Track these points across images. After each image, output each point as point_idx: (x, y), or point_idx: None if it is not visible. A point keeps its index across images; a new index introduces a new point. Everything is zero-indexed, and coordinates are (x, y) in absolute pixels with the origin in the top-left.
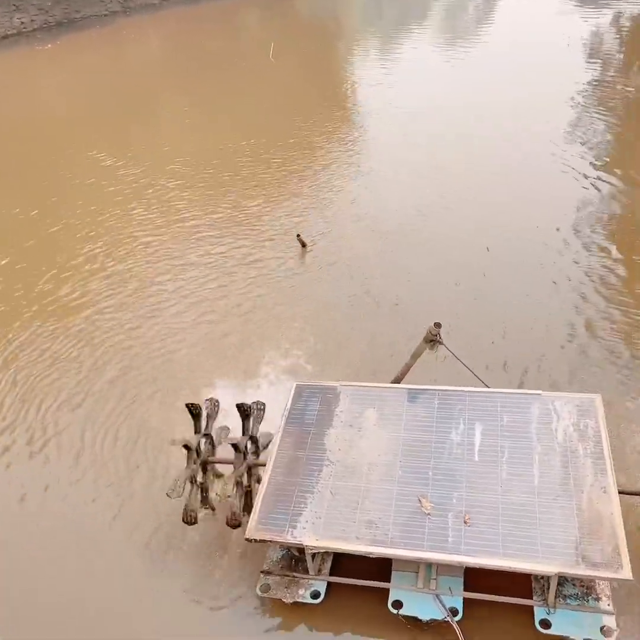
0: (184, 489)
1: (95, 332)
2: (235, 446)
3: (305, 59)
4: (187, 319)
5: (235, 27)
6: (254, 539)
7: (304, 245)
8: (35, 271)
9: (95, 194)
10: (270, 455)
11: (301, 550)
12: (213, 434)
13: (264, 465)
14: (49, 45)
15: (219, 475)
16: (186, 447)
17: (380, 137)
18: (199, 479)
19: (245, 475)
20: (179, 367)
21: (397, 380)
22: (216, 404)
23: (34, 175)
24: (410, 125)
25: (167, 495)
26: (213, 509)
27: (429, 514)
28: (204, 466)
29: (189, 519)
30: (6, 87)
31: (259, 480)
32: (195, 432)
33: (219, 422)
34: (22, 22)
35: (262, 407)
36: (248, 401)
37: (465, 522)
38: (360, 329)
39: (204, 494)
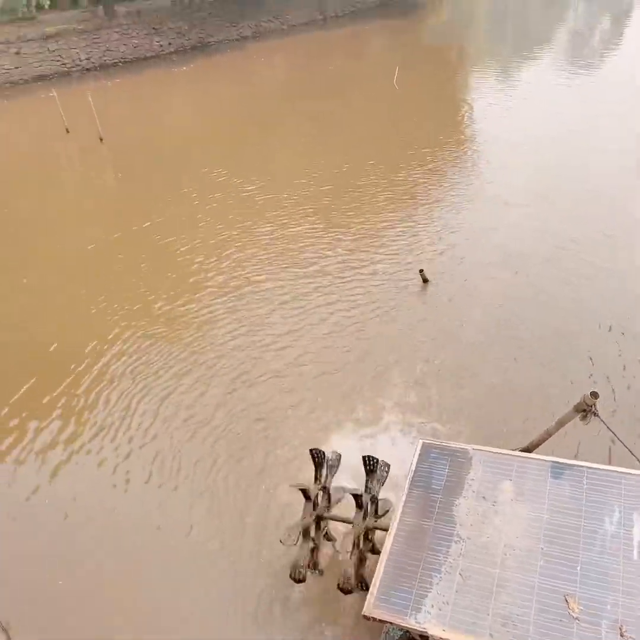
0: (297, 539)
1: (217, 372)
2: (357, 499)
3: (428, 84)
4: (305, 360)
5: (361, 53)
6: (373, 618)
7: (425, 280)
8: (144, 294)
9: (216, 210)
10: (392, 521)
11: (425, 637)
12: (331, 489)
13: (384, 530)
14: (185, 68)
15: (330, 539)
16: (305, 493)
17: (504, 164)
18: (312, 533)
19: (362, 537)
20: (297, 411)
21: (532, 448)
22: (339, 457)
23: (158, 185)
24: (534, 153)
25: (281, 542)
26: (321, 573)
27: (577, 618)
28: (318, 522)
29: (298, 576)
30: (143, 104)
31: (373, 549)
32: (315, 481)
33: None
34: (161, 45)
35: (386, 469)
36: (362, 455)
37: (621, 635)
38: (491, 382)
39: (315, 553)
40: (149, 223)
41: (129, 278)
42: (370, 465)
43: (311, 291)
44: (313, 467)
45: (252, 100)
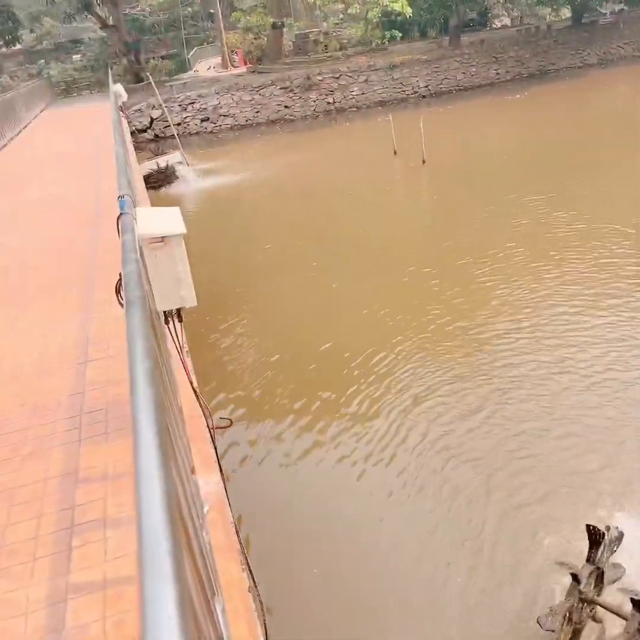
0: (560, 624)
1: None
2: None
3: None
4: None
5: None
6: None
7: None
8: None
9: (526, 240)
10: None
11: None
12: (605, 569)
13: None
14: (518, 96)
15: (598, 621)
16: (574, 577)
17: None
18: (575, 618)
19: None
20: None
21: None
22: (620, 535)
23: (468, 207)
24: None
25: (537, 622)
26: None
27: None
28: (585, 605)
29: None
30: (468, 130)
31: None
32: (587, 561)
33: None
34: (497, 73)
35: None
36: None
37: None
38: None
39: (577, 636)
40: (449, 242)
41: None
42: None
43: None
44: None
45: (585, 127)
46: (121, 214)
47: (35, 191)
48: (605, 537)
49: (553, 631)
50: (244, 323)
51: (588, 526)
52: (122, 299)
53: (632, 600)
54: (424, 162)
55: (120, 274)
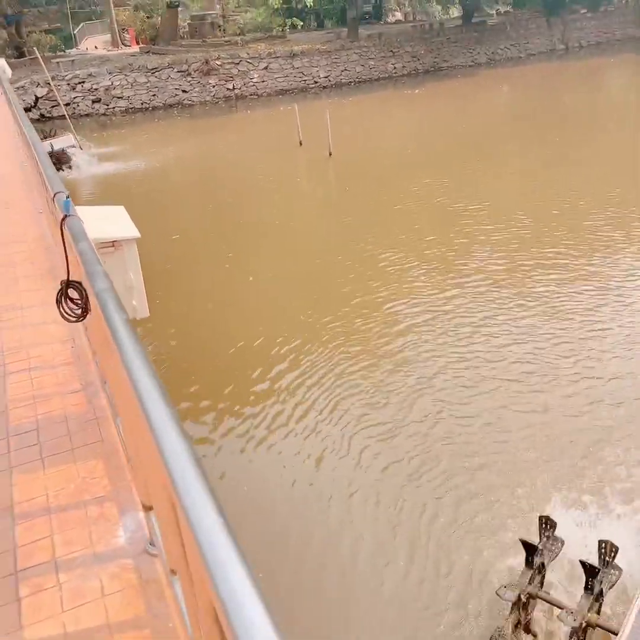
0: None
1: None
2: (587, 574)
3: None
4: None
5: (599, 86)
6: None
7: None
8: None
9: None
10: (626, 620)
11: None
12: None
13: (613, 632)
14: (417, 91)
15: (530, 631)
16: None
17: None
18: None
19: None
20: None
21: None
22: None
23: (377, 200)
24: None
25: (497, 594)
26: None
27: None
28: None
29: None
30: (372, 123)
31: None
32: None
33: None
34: (394, 67)
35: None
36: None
37: None
38: None
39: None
40: (363, 244)
41: (350, 291)
42: (604, 553)
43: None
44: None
45: (476, 125)
46: (66, 216)
47: None
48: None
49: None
50: (157, 321)
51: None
52: (67, 311)
53: (582, 563)
54: (330, 154)
55: (63, 283)
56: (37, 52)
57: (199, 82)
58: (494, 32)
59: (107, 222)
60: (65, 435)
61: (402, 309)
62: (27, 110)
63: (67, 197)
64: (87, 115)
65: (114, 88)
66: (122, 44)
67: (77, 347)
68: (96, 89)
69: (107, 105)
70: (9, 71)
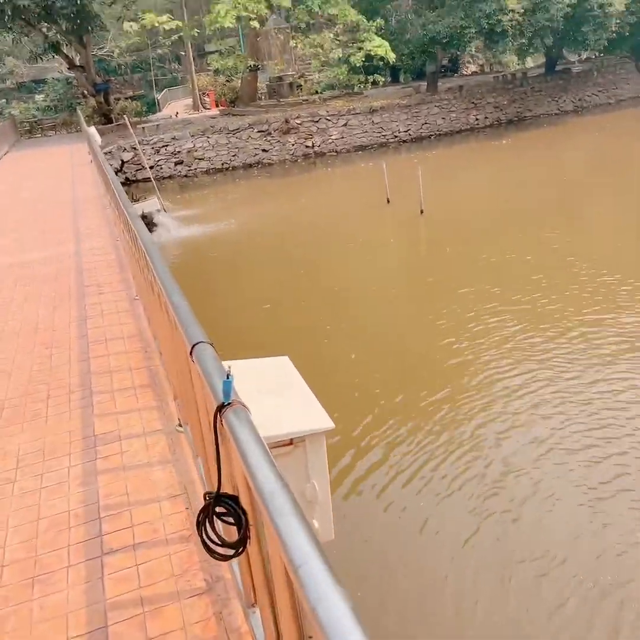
0: None
1: None
2: None
3: None
4: None
5: None
6: None
7: None
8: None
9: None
10: None
11: None
12: None
13: None
14: (504, 141)
15: None
16: None
17: None
18: None
19: None
20: None
21: None
22: None
23: (475, 261)
24: None
25: None
26: None
27: None
28: None
29: None
30: (461, 177)
31: None
32: None
33: None
34: (477, 119)
35: None
36: None
37: None
38: None
39: None
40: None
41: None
42: None
43: None
44: None
45: (575, 175)
46: (226, 405)
47: (3, 258)
48: None
49: None
50: None
51: None
52: (212, 539)
53: None
54: (422, 212)
55: (208, 496)
56: (125, 118)
57: (278, 140)
58: (579, 79)
59: (275, 398)
60: None
61: None
62: None
63: (229, 376)
64: (169, 177)
65: (196, 150)
66: (203, 107)
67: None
68: (179, 152)
69: (189, 166)
70: (99, 138)
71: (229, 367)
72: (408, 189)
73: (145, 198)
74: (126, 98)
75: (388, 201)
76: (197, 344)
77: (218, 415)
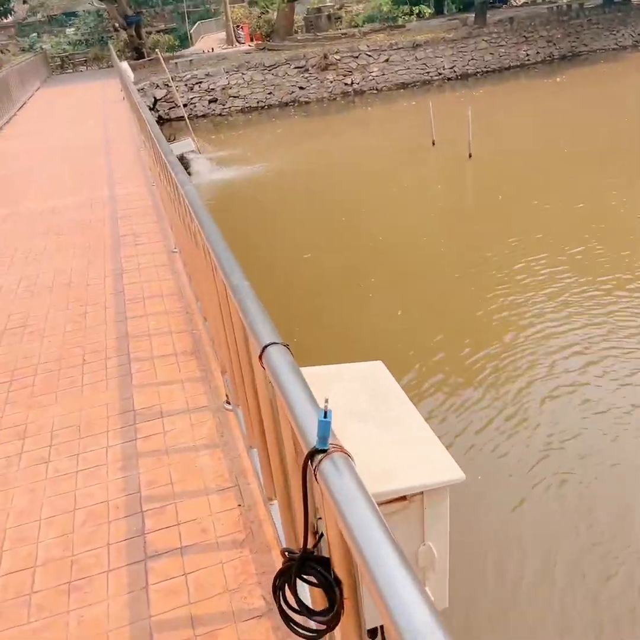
0: None
1: None
2: None
3: None
4: None
5: None
6: None
7: None
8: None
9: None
10: None
11: None
12: None
13: None
14: (558, 79)
15: None
16: None
17: None
18: None
19: None
20: None
21: None
22: None
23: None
24: None
25: None
26: None
27: None
28: None
29: None
30: (511, 118)
31: None
32: None
33: None
34: (527, 54)
35: None
36: None
37: None
38: None
39: None
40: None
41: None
42: None
43: None
44: None
45: (625, 119)
46: (319, 452)
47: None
48: None
49: None
50: None
51: None
52: (300, 623)
53: None
54: (470, 156)
55: (286, 555)
56: (158, 53)
57: (316, 77)
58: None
59: (379, 430)
60: None
61: None
62: None
63: (326, 413)
64: (203, 116)
65: (231, 87)
66: (237, 41)
67: None
68: (213, 89)
69: (223, 105)
70: (131, 74)
71: (327, 402)
72: (454, 131)
73: (177, 138)
74: (158, 31)
75: (433, 143)
76: (269, 345)
77: (309, 462)
